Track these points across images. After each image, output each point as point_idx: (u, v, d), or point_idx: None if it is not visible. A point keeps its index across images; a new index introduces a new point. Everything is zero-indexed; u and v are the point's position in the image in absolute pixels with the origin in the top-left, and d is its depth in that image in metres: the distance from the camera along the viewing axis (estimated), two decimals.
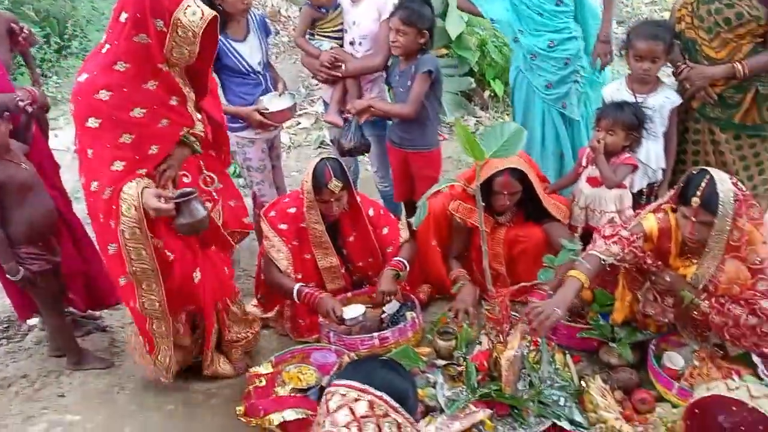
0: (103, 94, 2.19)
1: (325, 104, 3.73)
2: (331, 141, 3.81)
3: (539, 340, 2.47)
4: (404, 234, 3.15)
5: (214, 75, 3.40)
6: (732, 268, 2.39)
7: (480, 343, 2.68)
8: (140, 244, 2.30)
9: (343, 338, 2.84)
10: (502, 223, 3.11)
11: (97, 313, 3.25)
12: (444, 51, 5.31)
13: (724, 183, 2.33)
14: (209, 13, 2.16)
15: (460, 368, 2.53)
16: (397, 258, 3.04)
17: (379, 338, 2.79)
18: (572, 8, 3.33)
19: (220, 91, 3.53)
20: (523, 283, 2.61)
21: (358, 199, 3.05)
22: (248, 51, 3.26)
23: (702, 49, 2.92)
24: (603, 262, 2.43)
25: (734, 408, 1.45)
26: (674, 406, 2.43)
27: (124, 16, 2.14)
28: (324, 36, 3.48)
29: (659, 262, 2.54)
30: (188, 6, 2.12)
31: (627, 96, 3.06)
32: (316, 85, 6.48)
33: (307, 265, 3.03)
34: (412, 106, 3.20)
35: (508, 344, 2.33)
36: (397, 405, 1.60)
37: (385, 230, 3.12)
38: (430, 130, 3.37)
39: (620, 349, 2.62)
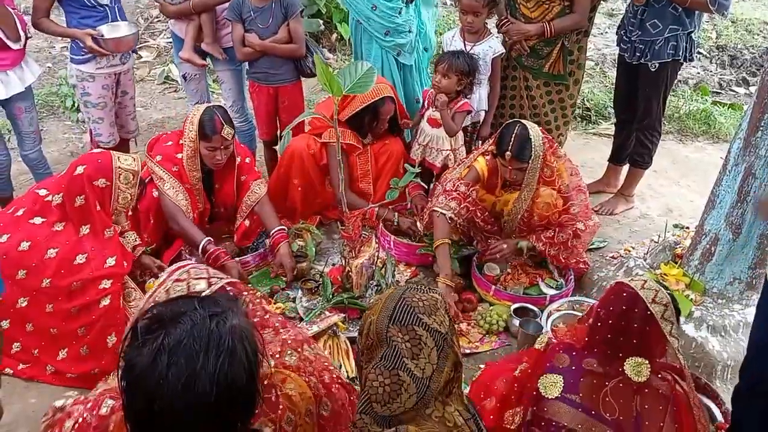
0: None
1: (176, 38, 3.65)
2: (183, 77, 3.77)
3: (384, 254, 2.84)
4: (263, 188, 3.18)
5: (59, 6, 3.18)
6: (547, 192, 2.94)
7: (335, 264, 3.01)
8: None
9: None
10: (366, 143, 3.40)
11: None
12: None
13: (534, 129, 2.84)
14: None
15: (317, 283, 2.84)
16: (279, 228, 3.07)
17: (240, 263, 2.95)
18: None
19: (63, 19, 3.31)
20: (371, 205, 2.95)
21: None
22: None
23: (520, 8, 3.39)
24: (447, 216, 2.89)
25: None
26: (491, 304, 2.96)
27: None
28: None
29: (487, 215, 3.03)
30: None
31: (459, 44, 3.46)
32: (156, 17, 6.19)
33: None
34: (302, 46, 3.42)
35: (358, 256, 2.67)
36: None
37: (243, 177, 3.16)
38: (294, 64, 3.54)
39: None
